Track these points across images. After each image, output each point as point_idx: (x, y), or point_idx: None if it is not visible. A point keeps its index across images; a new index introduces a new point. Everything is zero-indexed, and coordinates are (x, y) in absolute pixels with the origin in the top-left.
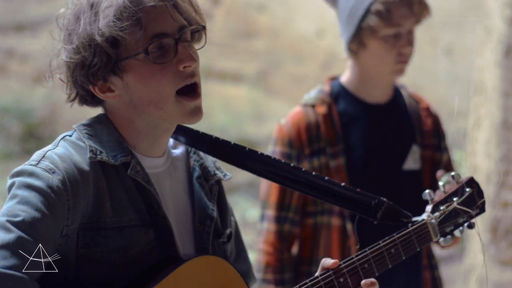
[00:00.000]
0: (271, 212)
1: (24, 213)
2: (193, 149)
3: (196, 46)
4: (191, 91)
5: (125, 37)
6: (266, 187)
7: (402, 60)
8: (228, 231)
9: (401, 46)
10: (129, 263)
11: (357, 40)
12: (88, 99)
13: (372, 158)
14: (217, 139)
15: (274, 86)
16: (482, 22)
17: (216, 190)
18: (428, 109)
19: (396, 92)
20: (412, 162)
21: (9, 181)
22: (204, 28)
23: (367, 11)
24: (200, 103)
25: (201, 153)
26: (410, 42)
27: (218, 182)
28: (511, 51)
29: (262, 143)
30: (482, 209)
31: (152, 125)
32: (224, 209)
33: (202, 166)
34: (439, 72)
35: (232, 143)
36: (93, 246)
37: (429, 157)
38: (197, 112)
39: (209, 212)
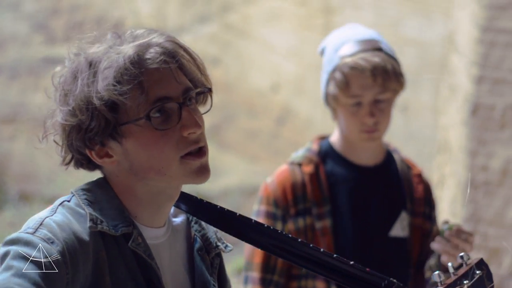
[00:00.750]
0: (255, 274)
1: (20, 287)
2: (194, 218)
3: (201, 109)
4: (196, 151)
5: (125, 101)
6: (250, 247)
7: (365, 129)
8: None
9: (363, 117)
10: None
11: (328, 103)
12: (84, 163)
13: (359, 221)
14: (221, 209)
15: (227, 140)
16: (446, 80)
17: (217, 263)
18: (420, 176)
19: (388, 156)
20: (400, 229)
21: (2, 250)
22: (210, 90)
23: (329, 79)
24: (206, 162)
25: (203, 223)
26: (372, 113)
27: (219, 254)
28: (478, 109)
29: (216, 198)
30: None
31: (155, 192)
32: (223, 282)
33: (204, 237)
34: (395, 129)
35: (238, 214)
36: None
37: (419, 225)
38: (203, 171)
39: None
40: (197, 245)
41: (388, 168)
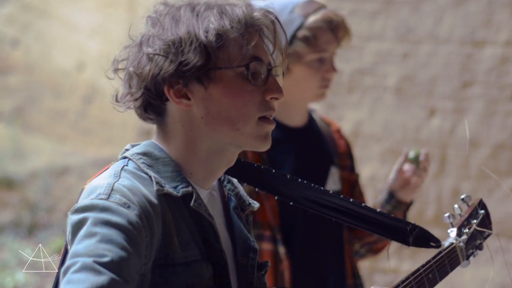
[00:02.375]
0: None
1: (111, 252)
2: (226, 178)
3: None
4: (267, 117)
5: (233, 45)
6: None
7: (325, 84)
8: (269, 263)
9: (325, 71)
10: None
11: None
12: (152, 103)
13: None
14: (254, 165)
15: (32, 122)
16: None
17: (251, 221)
18: (339, 132)
19: (310, 116)
20: (332, 183)
21: (77, 217)
22: (283, 74)
23: (293, 37)
24: (270, 131)
25: (235, 182)
26: (333, 67)
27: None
28: None
29: (24, 181)
30: (491, 230)
31: (215, 150)
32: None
33: (237, 196)
34: None
35: (273, 170)
36: (163, 285)
37: (347, 178)
38: (268, 139)
39: (251, 244)
40: (232, 204)
41: (312, 127)
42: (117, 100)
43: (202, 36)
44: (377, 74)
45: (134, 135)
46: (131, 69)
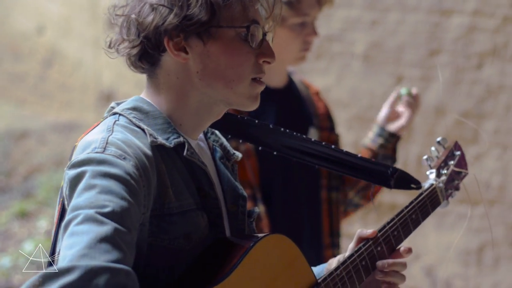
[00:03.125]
0: None
1: (111, 203)
2: (209, 129)
3: None
4: (259, 79)
5: (237, 5)
6: None
7: (306, 47)
8: (257, 209)
9: (307, 35)
10: (193, 248)
11: None
12: (148, 52)
13: None
14: (236, 117)
15: None
16: None
17: (236, 169)
18: (318, 94)
19: (289, 78)
20: None
21: (75, 171)
22: (272, 40)
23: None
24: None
25: (217, 133)
26: (315, 31)
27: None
28: None
29: None
30: (467, 171)
31: (205, 104)
32: None
33: (222, 146)
34: None
35: (256, 121)
36: (160, 234)
37: (326, 138)
38: (258, 99)
39: (240, 192)
40: (218, 154)
41: (292, 88)
42: (110, 47)
43: None
44: (345, 41)
45: (94, 100)
46: (133, 16)
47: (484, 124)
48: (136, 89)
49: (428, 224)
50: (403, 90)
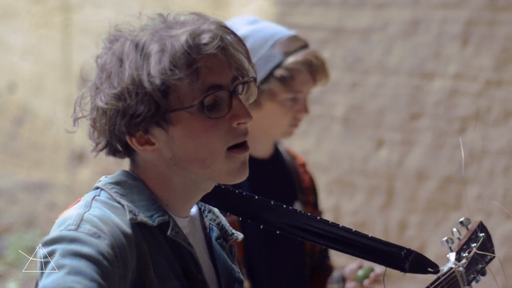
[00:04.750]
0: None
1: (79, 285)
2: (207, 207)
3: (243, 100)
4: (241, 144)
5: (180, 87)
6: None
7: (295, 123)
8: None
9: (298, 111)
10: None
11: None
12: (119, 150)
13: None
14: (236, 193)
15: None
16: None
17: (235, 251)
18: (304, 166)
19: (275, 147)
20: None
21: (46, 250)
22: (255, 80)
23: (270, 75)
24: (247, 158)
25: (216, 212)
26: (306, 108)
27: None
28: None
29: None
30: (493, 254)
31: (190, 184)
32: None
33: (219, 226)
34: None
35: (256, 197)
36: None
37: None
38: (244, 169)
39: (235, 275)
40: (214, 234)
41: (278, 159)
42: (89, 138)
43: (146, 83)
44: (324, 103)
45: (66, 159)
46: (89, 122)
47: (467, 190)
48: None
49: None
50: (360, 272)
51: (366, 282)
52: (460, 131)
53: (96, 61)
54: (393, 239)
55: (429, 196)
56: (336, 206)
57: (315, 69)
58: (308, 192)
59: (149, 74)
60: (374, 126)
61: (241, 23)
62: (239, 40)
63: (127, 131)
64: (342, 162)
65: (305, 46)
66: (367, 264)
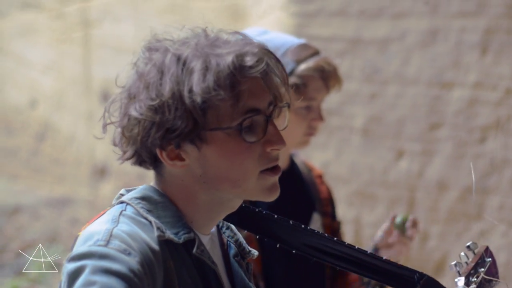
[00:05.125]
0: None
1: None
2: (225, 224)
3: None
4: (273, 167)
5: (221, 107)
6: None
7: (311, 132)
8: None
9: (313, 120)
10: None
11: None
12: (147, 161)
13: None
14: (255, 211)
15: None
16: None
17: (251, 269)
18: (321, 177)
19: (292, 160)
20: None
21: (74, 265)
22: (289, 106)
23: None
24: (277, 179)
25: (234, 229)
26: (321, 116)
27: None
28: None
29: None
30: (499, 279)
31: (217, 202)
32: None
33: (237, 243)
34: None
35: (276, 216)
36: None
37: (329, 225)
38: (275, 189)
39: None
40: (232, 251)
41: (294, 171)
42: (115, 145)
43: (186, 100)
44: (344, 115)
45: (88, 174)
46: (119, 130)
47: (489, 200)
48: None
49: None
50: (398, 219)
51: (408, 226)
52: (481, 141)
53: (134, 68)
54: (414, 250)
55: (450, 206)
56: (357, 218)
57: (328, 75)
58: (325, 203)
59: (190, 91)
60: (394, 137)
61: (251, 35)
62: (280, 64)
63: (159, 144)
64: (362, 173)
65: (316, 53)
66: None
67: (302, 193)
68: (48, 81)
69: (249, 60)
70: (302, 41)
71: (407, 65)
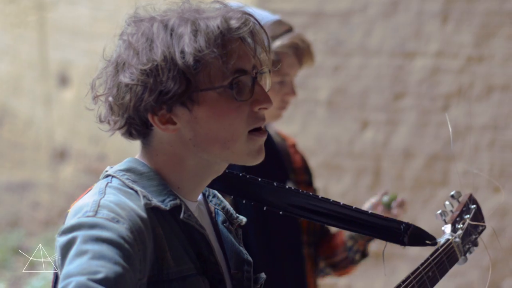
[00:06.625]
0: None
1: (104, 268)
2: (211, 192)
3: None
4: (259, 128)
5: (212, 66)
6: None
7: (283, 106)
8: (263, 275)
9: (285, 94)
10: None
11: None
12: (137, 128)
13: None
14: (239, 175)
15: None
16: None
17: (241, 234)
18: (294, 146)
19: (265, 130)
20: None
21: (66, 237)
22: (269, 72)
23: None
24: (263, 141)
25: (220, 196)
26: (293, 91)
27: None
28: None
29: None
30: (484, 224)
31: (204, 165)
32: None
33: (224, 210)
34: None
35: (260, 179)
36: None
37: None
38: (261, 152)
39: (244, 257)
40: (220, 218)
41: (268, 141)
42: (101, 121)
43: (179, 61)
44: (308, 88)
45: (47, 157)
46: (110, 99)
47: (453, 166)
48: (90, 145)
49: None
50: (385, 198)
51: (393, 205)
52: (444, 108)
53: (121, 39)
54: None
55: (416, 174)
56: (324, 188)
57: (302, 52)
58: (299, 172)
59: (182, 52)
60: (358, 108)
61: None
62: (263, 30)
63: (151, 108)
64: (328, 145)
65: (290, 30)
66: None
67: (276, 162)
68: (4, 66)
69: (235, 22)
70: (276, 17)
71: (370, 36)
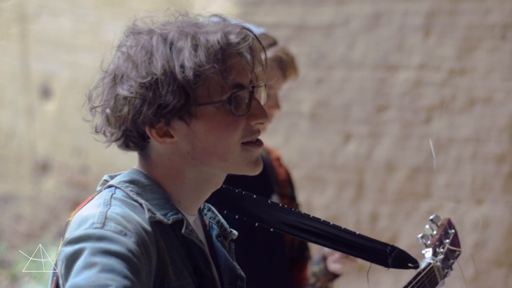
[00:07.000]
0: None
1: (114, 282)
2: (206, 205)
3: None
4: (255, 141)
5: (212, 81)
6: None
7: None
8: None
9: (270, 107)
10: None
11: None
12: (134, 141)
13: None
14: (232, 191)
15: None
16: None
17: (233, 248)
18: (279, 159)
19: None
20: None
21: (72, 248)
22: (265, 86)
23: None
24: (260, 153)
25: (215, 210)
26: (277, 104)
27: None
28: None
29: None
30: (460, 249)
31: (203, 179)
32: None
33: (219, 224)
34: None
35: (255, 196)
36: None
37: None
38: (259, 162)
39: (237, 272)
40: (214, 232)
41: None
42: (96, 132)
43: (179, 75)
44: (291, 100)
45: (29, 170)
46: (108, 111)
47: (435, 178)
48: (73, 158)
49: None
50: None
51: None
52: (426, 121)
53: (119, 50)
54: (365, 231)
55: (398, 186)
56: (308, 201)
57: (285, 65)
58: (284, 185)
59: (182, 66)
60: (341, 120)
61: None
62: (261, 44)
63: (148, 121)
64: (311, 157)
65: (274, 43)
66: None
67: (260, 175)
68: None
69: (235, 38)
70: (261, 30)
71: (352, 49)
